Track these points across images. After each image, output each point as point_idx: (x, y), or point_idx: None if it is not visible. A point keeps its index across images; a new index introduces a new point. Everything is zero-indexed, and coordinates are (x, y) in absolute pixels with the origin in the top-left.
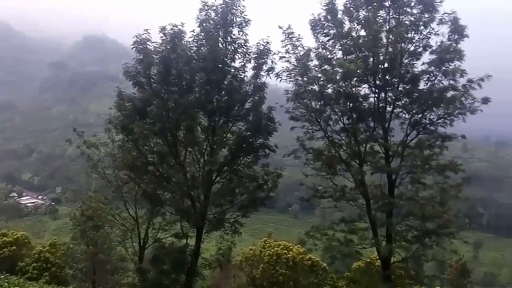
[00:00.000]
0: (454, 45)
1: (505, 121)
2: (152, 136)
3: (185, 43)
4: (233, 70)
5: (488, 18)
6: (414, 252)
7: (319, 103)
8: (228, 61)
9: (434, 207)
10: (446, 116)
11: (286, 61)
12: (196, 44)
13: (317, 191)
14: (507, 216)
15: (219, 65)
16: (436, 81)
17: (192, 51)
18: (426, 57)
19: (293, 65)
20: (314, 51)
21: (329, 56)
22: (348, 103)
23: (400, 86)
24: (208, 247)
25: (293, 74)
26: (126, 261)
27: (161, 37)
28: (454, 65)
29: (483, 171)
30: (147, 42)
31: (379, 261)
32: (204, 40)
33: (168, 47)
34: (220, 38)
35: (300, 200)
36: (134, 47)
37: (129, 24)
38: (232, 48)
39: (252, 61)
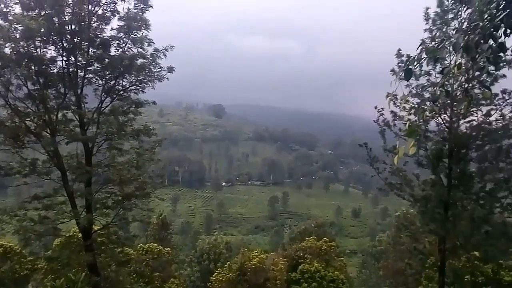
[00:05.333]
0: (141, 13)
1: (193, 88)
2: None
3: None
4: None
5: None
6: (115, 217)
7: None
8: None
9: (131, 171)
10: (137, 83)
11: None
12: None
13: (0, 168)
14: (197, 171)
15: None
16: (126, 48)
17: None
18: (116, 23)
19: None
20: None
21: (4, 10)
22: (33, 66)
23: (90, 50)
24: None
25: None
26: None
27: None
28: (142, 33)
29: (177, 133)
30: None
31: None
32: None
33: None
34: None
35: None
36: None
37: None
38: None
39: None
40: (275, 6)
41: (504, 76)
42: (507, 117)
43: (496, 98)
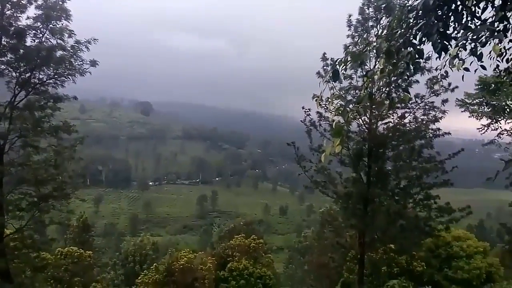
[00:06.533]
0: (61, 3)
1: (118, 84)
2: None
3: None
4: None
5: None
6: (30, 220)
7: None
8: None
9: (48, 171)
10: (56, 76)
11: None
12: None
13: None
14: (122, 170)
15: None
16: (44, 39)
17: None
18: (33, 11)
19: None
20: None
21: None
22: None
23: (3, 39)
24: None
25: None
26: None
27: None
28: (62, 24)
29: (100, 130)
30: None
31: None
32: None
33: None
34: None
35: None
36: None
37: None
38: None
39: None
40: (206, 4)
41: (417, 81)
42: (420, 120)
43: (410, 102)
